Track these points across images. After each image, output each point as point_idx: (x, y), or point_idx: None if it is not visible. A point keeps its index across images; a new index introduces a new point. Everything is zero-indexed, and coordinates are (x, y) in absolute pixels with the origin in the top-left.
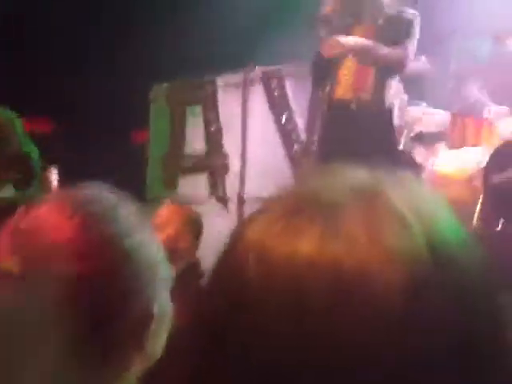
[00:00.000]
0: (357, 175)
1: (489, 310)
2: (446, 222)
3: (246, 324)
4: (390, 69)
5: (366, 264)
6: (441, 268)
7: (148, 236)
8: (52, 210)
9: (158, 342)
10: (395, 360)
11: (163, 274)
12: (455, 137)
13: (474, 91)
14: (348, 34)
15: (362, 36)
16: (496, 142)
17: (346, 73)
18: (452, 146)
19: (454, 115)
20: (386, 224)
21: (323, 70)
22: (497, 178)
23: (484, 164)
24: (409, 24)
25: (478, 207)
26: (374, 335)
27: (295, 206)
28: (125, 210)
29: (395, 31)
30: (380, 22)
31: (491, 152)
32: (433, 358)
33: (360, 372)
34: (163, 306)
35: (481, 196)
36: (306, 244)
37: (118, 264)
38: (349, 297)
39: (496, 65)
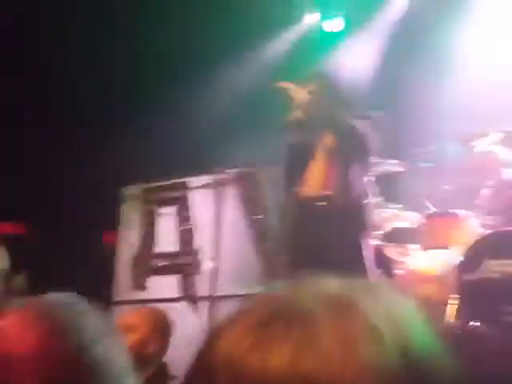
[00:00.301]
0: (328, 285)
1: None
2: (418, 330)
3: None
4: (357, 164)
5: (339, 381)
6: (413, 377)
7: (114, 344)
8: (16, 319)
9: None
10: None
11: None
12: (427, 236)
13: (443, 193)
14: (318, 141)
15: (328, 145)
16: (468, 242)
17: (315, 171)
18: (424, 245)
19: (426, 215)
20: (358, 338)
21: (294, 170)
22: (469, 277)
23: (456, 263)
24: (365, 141)
25: (449, 306)
26: None
27: (266, 318)
28: (91, 318)
29: (355, 146)
30: (344, 133)
31: (463, 251)
32: None
33: None
34: None
35: (452, 294)
36: (277, 360)
37: (82, 375)
38: None
39: (462, 166)
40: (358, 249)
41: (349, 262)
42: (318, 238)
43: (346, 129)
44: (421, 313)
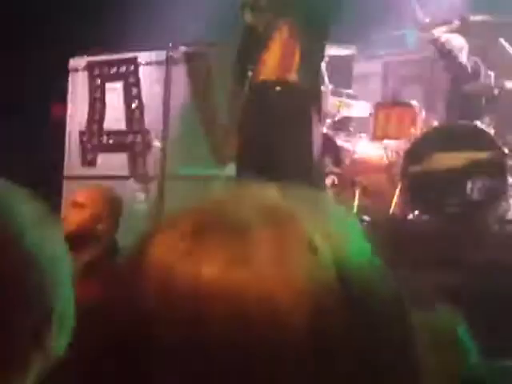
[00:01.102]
0: (267, 194)
1: (396, 334)
2: (355, 245)
3: (140, 350)
4: (317, 48)
5: (272, 294)
6: (349, 294)
7: (50, 231)
8: None
9: (60, 340)
10: None
11: (66, 270)
12: (378, 126)
13: (399, 82)
14: (274, 23)
15: (289, 26)
16: (417, 132)
17: (272, 54)
18: (374, 135)
19: (377, 105)
20: (294, 253)
21: (248, 52)
22: (413, 169)
23: (403, 154)
24: (333, 10)
25: (395, 196)
26: (280, 368)
27: (201, 227)
28: (25, 205)
29: (318, 16)
30: (304, 13)
31: (412, 142)
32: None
33: None
34: (65, 303)
35: (399, 185)
36: (210, 270)
37: (17, 264)
38: (252, 328)
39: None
40: (310, 136)
41: (300, 147)
42: (270, 123)
43: (306, 11)
44: (363, 231)
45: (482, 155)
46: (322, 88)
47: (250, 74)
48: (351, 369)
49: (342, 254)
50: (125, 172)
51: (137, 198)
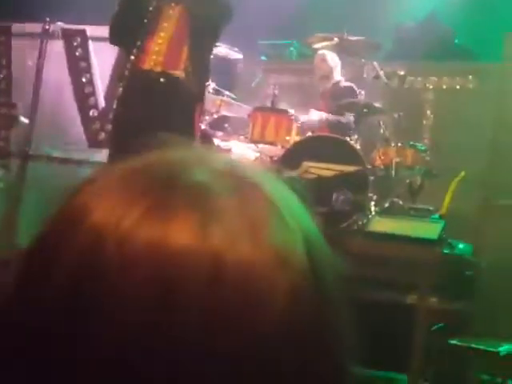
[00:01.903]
0: (216, 158)
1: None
2: (307, 218)
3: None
4: (206, 47)
5: (249, 261)
6: (314, 265)
7: None
8: None
9: None
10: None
11: None
12: (255, 130)
13: (276, 89)
14: (165, 5)
15: (181, 12)
16: (292, 139)
17: (159, 43)
18: (251, 138)
19: (256, 109)
20: (266, 219)
21: (132, 35)
22: (288, 175)
23: (277, 159)
24: (225, 16)
25: None
26: (252, 339)
27: (155, 185)
28: None
29: (211, 16)
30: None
31: (285, 149)
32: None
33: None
34: None
35: None
36: (182, 231)
37: None
38: (227, 293)
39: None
40: (190, 131)
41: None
42: (150, 112)
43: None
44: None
45: (348, 168)
46: (207, 84)
47: (132, 58)
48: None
49: (305, 226)
50: None
51: None
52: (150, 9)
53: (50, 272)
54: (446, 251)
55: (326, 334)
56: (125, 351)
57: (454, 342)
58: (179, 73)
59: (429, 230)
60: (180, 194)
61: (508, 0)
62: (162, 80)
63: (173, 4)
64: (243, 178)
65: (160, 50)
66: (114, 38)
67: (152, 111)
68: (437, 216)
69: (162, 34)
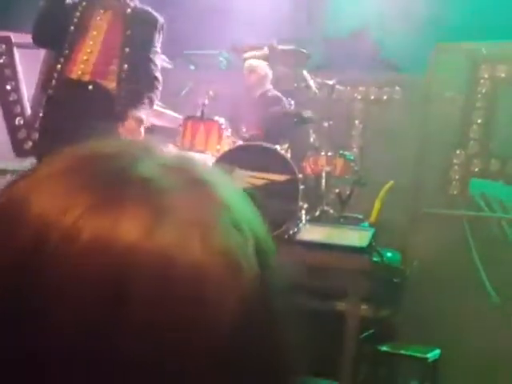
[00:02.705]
0: (166, 152)
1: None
2: (254, 216)
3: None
4: (142, 56)
5: (199, 262)
6: (265, 274)
7: None
8: None
9: None
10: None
11: None
12: (185, 138)
13: (206, 98)
14: (93, 12)
15: (110, 21)
16: (222, 148)
17: (88, 52)
18: (181, 147)
19: (187, 118)
20: (216, 218)
21: (53, 41)
22: None
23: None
24: (157, 25)
25: None
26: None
27: (97, 180)
28: None
29: (143, 26)
30: (129, 11)
31: (215, 158)
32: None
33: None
34: None
35: None
36: (130, 228)
37: None
38: (175, 294)
39: (230, 75)
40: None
41: None
42: (77, 123)
43: (133, 6)
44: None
45: (279, 177)
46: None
47: (58, 66)
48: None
49: (253, 224)
50: None
51: None
52: (77, 15)
53: None
54: (375, 259)
55: (272, 346)
56: (73, 351)
57: (383, 348)
58: (109, 83)
59: (358, 238)
60: (128, 189)
61: (433, 13)
62: (90, 88)
63: (101, 11)
64: (193, 175)
65: (88, 59)
66: (37, 42)
67: (79, 120)
68: (366, 224)
69: (90, 43)
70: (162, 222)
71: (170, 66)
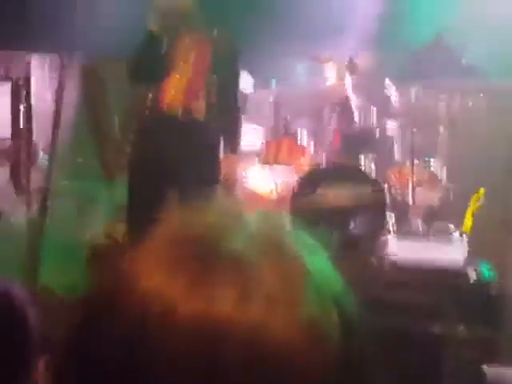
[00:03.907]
0: (251, 219)
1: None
2: (333, 275)
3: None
4: (229, 82)
5: (286, 332)
6: (345, 325)
7: None
8: None
9: None
10: None
11: None
12: (269, 154)
13: (290, 111)
14: (180, 42)
15: (196, 51)
16: (306, 161)
17: (177, 82)
18: (265, 162)
19: (269, 135)
20: (300, 289)
21: (150, 71)
22: (303, 200)
23: (293, 184)
24: (239, 51)
25: None
26: None
27: (193, 256)
28: None
29: (227, 52)
30: (212, 40)
31: (301, 174)
32: None
33: None
34: None
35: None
36: (222, 303)
37: None
38: (263, 365)
39: (312, 87)
40: (213, 163)
41: (202, 175)
42: (168, 151)
43: (217, 37)
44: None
45: (364, 192)
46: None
47: (150, 97)
48: None
49: (335, 287)
50: (6, 183)
51: (17, 211)
52: (165, 48)
53: (103, 332)
54: (470, 273)
55: None
56: None
57: (483, 370)
58: (199, 110)
59: (451, 250)
60: (220, 263)
61: None
62: (180, 116)
63: (188, 41)
64: (280, 245)
65: (179, 86)
66: (135, 80)
67: (171, 149)
68: (458, 235)
69: (179, 74)
70: (251, 295)
71: (251, 87)
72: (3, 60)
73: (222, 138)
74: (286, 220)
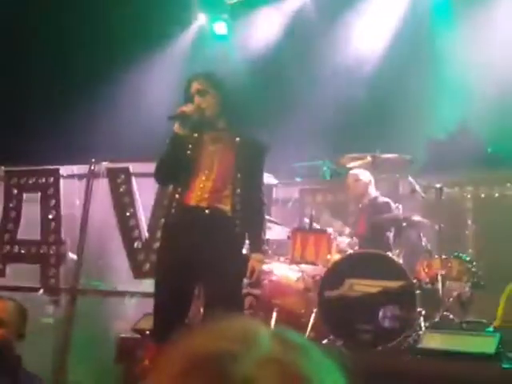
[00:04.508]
0: (261, 340)
1: None
2: None
3: None
4: (254, 182)
5: None
6: None
7: None
8: None
9: None
10: None
11: None
12: (295, 251)
13: (313, 209)
14: (204, 143)
15: (221, 150)
16: (333, 258)
17: (203, 180)
18: (292, 258)
19: (295, 230)
20: None
21: (170, 171)
22: (330, 294)
23: (319, 279)
24: (264, 151)
25: (312, 318)
26: None
27: (211, 380)
28: None
29: (252, 153)
30: (237, 140)
31: (327, 268)
32: None
33: None
34: None
35: (314, 309)
36: None
37: None
38: None
39: (334, 184)
40: (239, 259)
41: (228, 271)
42: (199, 248)
43: (243, 132)
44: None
45: (393, 284)
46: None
47: (177, 196)
48: None
49: None
50: (35, 283)
51: (45, 310)
52: (190, 147)
53: None
54: (505, 366)
55: None
56: None
57: None
58: (224, 206)
59: (484, 344)
60: None
61: None
62: (207, 212)
63: (213, 138)
64: (292, 369)
65: (204, 186)
66: (159, 180)
67: (196, 246)
68: (491, 329)
69: (205, 172)
70: None
71: (275, 182)
72: (33, 171)
73: (247, 237)
74: (302, 340)
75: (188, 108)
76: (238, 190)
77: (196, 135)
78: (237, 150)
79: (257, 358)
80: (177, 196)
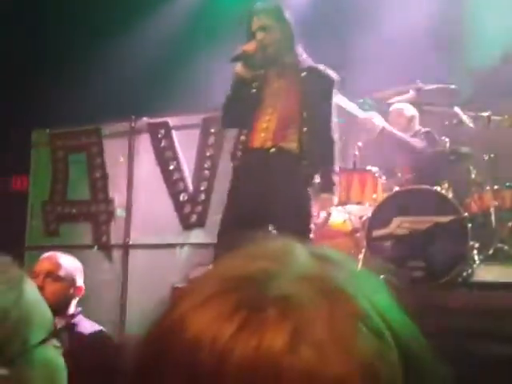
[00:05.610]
0: (299, 258)
1: None
2: (395, 311)
3: None
4: (321, 115)
5: (338, 375)
6: (408, 369)
7: (26, 291)
8: None
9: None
10: None
11: (44, 325)
12: (340, 192)
13: (357, 149)
14: (268, 81)
15: (286, 88)
16: (379, 197)
17: (267, 120)
18: (338, 200)
19: (339, 171)
20: (353, 330)
21: (237, 113)
22: (377, 234)
23: (367, 219)
24: (332, 85)
25: (361, 259)
26: None
27: (246, 301)
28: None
29: (319, 88)
30: (303, 75)
31: (374, 207)
32: None
33: None
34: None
35: (363, 249)
36: (273, 347)
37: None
38: None
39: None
40: (306, 199)
41: (294, 212)
42: (264, 189)
43: (307, 68)
44: (388, 291)
45: (443, 219)
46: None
47: (242, 138)
48: None
49: (394, 327)
50: (88, 241)
51: (100, 267)
52: (254, 87)
53: (155, 375)
54: None
55: None
56: None
57: None
58: (292, 145)
59: None
60: (269, 309)
61: None
62: (272, 151)
63: (276, 79)
64: (330, 285)
65: (268, 126)
66: (226, 124)
67: (266, 186)
68: None
69: (269, 111)
70: (302, 338)
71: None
72: (77, 133)
73: (317, 177)
74: (340, 256)
75: (250, 46)
76: (305, 129)
77: (262, 72)
78: (302, 87)
79: (293, 274)
80: (242, 139)
